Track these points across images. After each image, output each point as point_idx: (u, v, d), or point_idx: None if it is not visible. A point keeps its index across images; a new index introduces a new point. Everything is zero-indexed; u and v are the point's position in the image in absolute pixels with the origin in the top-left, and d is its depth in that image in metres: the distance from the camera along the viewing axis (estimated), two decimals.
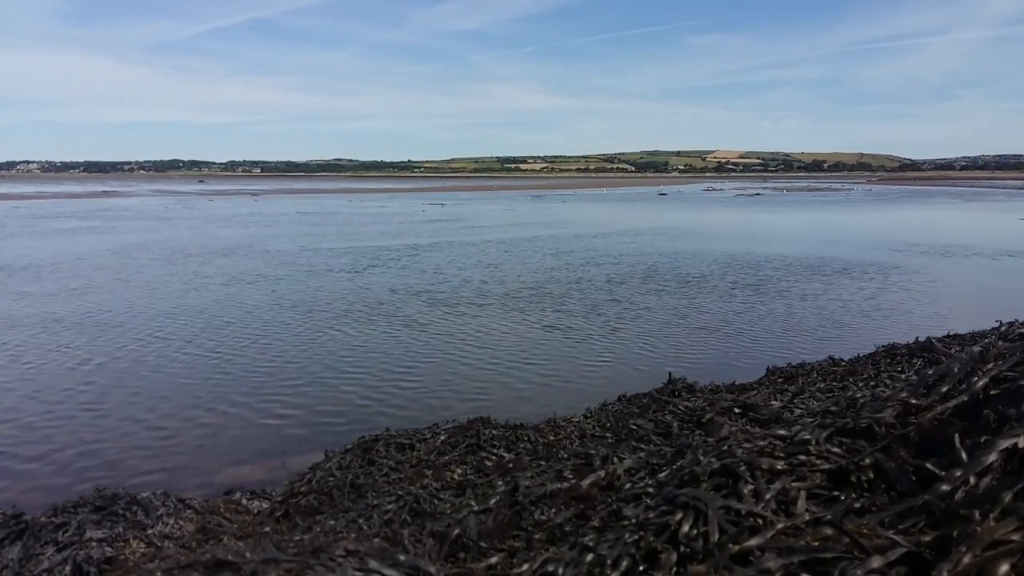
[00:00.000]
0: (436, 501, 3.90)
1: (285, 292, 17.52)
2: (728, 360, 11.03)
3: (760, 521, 2.12)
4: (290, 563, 2.46)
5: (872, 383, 5.91)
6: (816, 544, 1.90)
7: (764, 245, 28.23)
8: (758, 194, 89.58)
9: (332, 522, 3.92)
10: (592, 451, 3.98)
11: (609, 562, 2.15)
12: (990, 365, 2.58)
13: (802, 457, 2.46)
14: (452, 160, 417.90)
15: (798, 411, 4.73)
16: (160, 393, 9.57)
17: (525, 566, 2.34)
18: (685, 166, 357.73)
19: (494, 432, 5.41)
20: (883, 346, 7.42)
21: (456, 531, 3.03)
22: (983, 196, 78.84)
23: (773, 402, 5.57)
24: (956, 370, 2.69)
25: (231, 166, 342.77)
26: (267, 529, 4.37)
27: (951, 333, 7.42)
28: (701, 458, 2.73)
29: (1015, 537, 1.62)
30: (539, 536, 2.78)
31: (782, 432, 2.79)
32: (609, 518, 2.66)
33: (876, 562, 1.72)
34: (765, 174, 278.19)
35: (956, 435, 2.22)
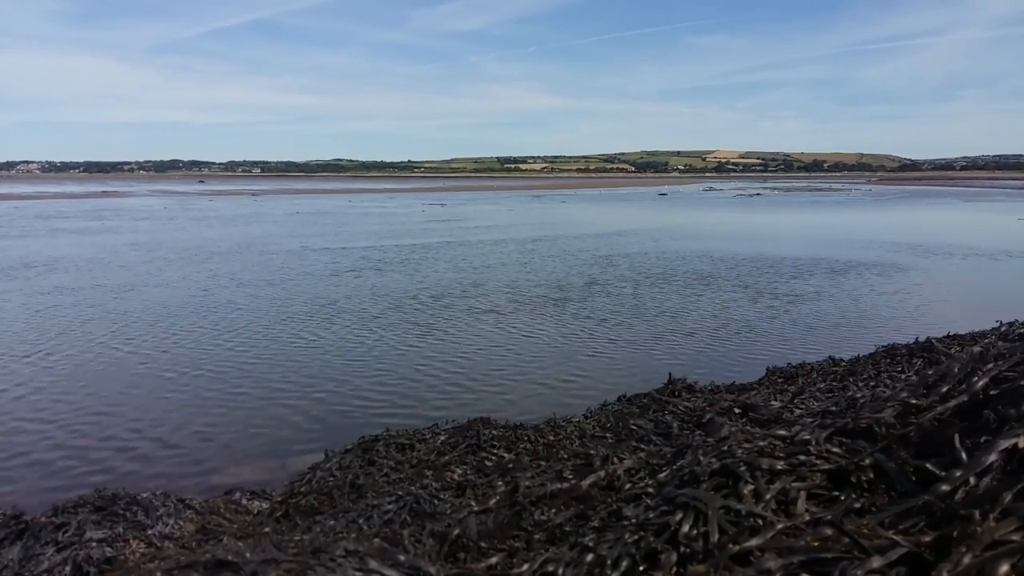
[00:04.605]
0: (436, 501, 3.90)
1: (284, 293, 17.53)
2: (728, 360, 11.03)
3: (760, 521, 2.12)
4: (290, 563, 2.46)
5: (872, 383, 5.91)
6: (816, 544, 1.90)
7: (763, 245, 28.24)
8: (758, 194, 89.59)
9: (332, 522, 3.92)
10: (592, 451, 3.98)
11: (609, 562, 2.15)
12: (990, 365, 2.58)
13: (802, 457, 2.46)
14: (452, 160, 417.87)
15: (798, 411, 4.73)
16: (160, 394, 9.57)
17: (525, 566, 2.34)
18: (685, 166, 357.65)
19: (494, 432, 5.41)
20: (883, 346, 7.42)
21: (456, 531, 3.03)
22: (983, 196, 78.85)
23: (773, 402, 5.57)
24: (956, 370, 2.69)
25: (231, 166, 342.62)
26: (267, 529, 4.36)
27: (951, 333, 7.43)
28: (701, 458, 2.73)
29: (1015, 537, 1.62)
30: (539, 536, 2.78)
31: (782, 432, 2.79)
32: (609, 518, 2.66)
33: (876, 562, 1.72)
34: (765, 174, 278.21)
35: (956, 435, 2.22)
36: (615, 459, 3.57)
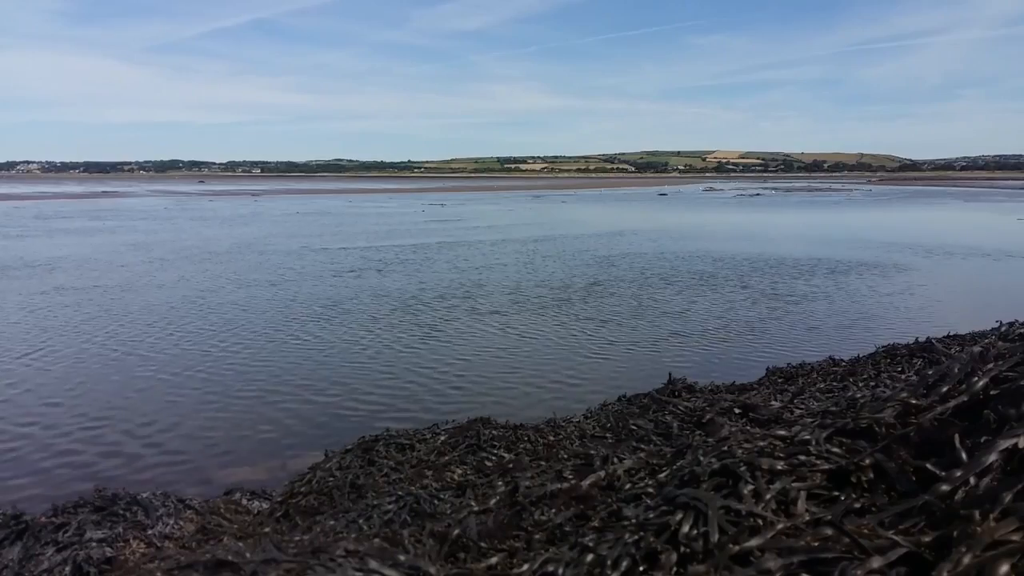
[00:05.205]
0: (436, 501, 3.90)
1: (284, 293, 17.53)
2: (728, 360, 11.03)
3: (760, 521, 2.12)
4: (290, 563, 2.46)
5: (872, 383, 5.91)
6: (816, 544, 1.90)
7: (763, 245, 28.24)
8: (758, 194, 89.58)
9: (332, 522, 3.92)
10: (592, 451, 3.98)
11: (609, 562, 2.15)
12: (990, 365, 2.58)
13: (802, 457, 2.46)
14: (452, 160, 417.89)
15: (798, 411, 4.72)
16: (160, 394, 9.57)
17: (525, 566, 2.34)
18: (685, 166, 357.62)
19: (494, 432, 5.40)
20: (883, 346, 7.42)
21: (456, 531, 3.03)
22: (983, 196, 78.84)
23: (773, 402, 5.56)
24: (956, 370, 2.69)
25: (231, 166, 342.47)
26: (267, 529, 4.36)
27: (951, 333, 7.43)
28: (701, 458, 2.73)
29: (1015, 537, 1.62)
30: (539, 536, 2.78)
31: (782, 432, 2.79)
32: (609, 518, 2.66)
33: (876, 562, 1.72)
34: (765, 174, 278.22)
35: (956, 435, 2.21)
36: (615, 459, 3.57)
